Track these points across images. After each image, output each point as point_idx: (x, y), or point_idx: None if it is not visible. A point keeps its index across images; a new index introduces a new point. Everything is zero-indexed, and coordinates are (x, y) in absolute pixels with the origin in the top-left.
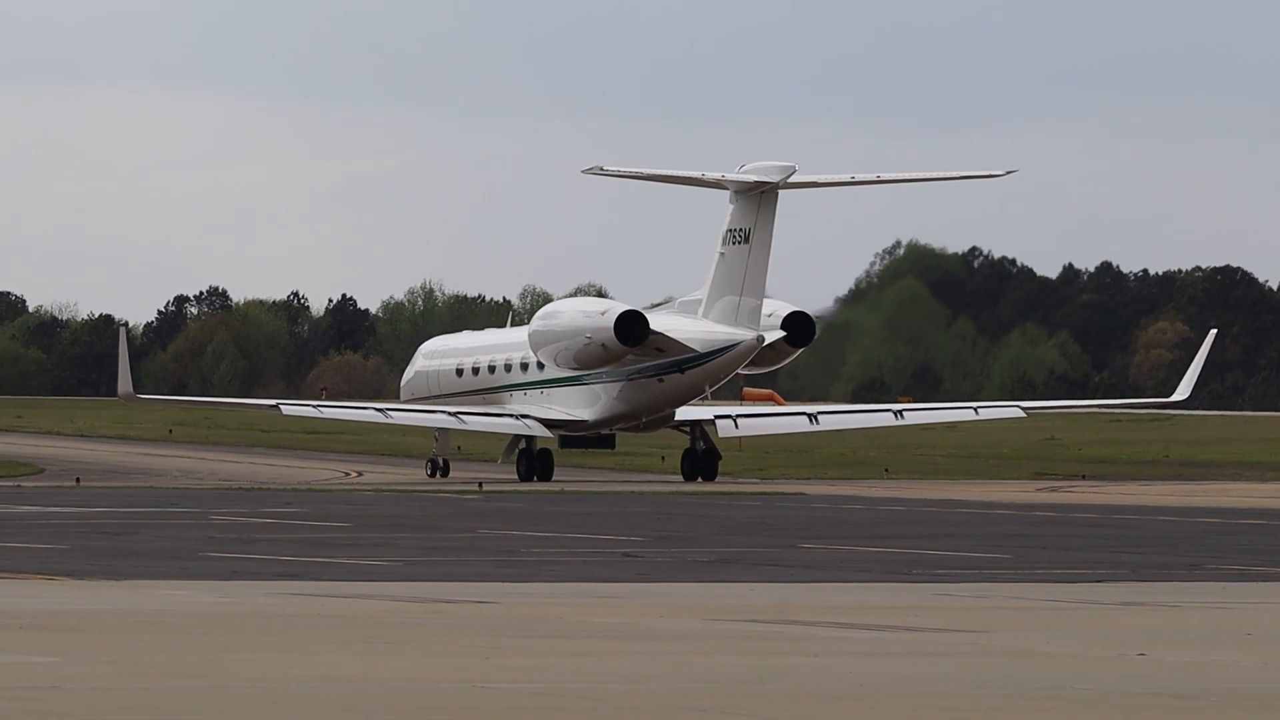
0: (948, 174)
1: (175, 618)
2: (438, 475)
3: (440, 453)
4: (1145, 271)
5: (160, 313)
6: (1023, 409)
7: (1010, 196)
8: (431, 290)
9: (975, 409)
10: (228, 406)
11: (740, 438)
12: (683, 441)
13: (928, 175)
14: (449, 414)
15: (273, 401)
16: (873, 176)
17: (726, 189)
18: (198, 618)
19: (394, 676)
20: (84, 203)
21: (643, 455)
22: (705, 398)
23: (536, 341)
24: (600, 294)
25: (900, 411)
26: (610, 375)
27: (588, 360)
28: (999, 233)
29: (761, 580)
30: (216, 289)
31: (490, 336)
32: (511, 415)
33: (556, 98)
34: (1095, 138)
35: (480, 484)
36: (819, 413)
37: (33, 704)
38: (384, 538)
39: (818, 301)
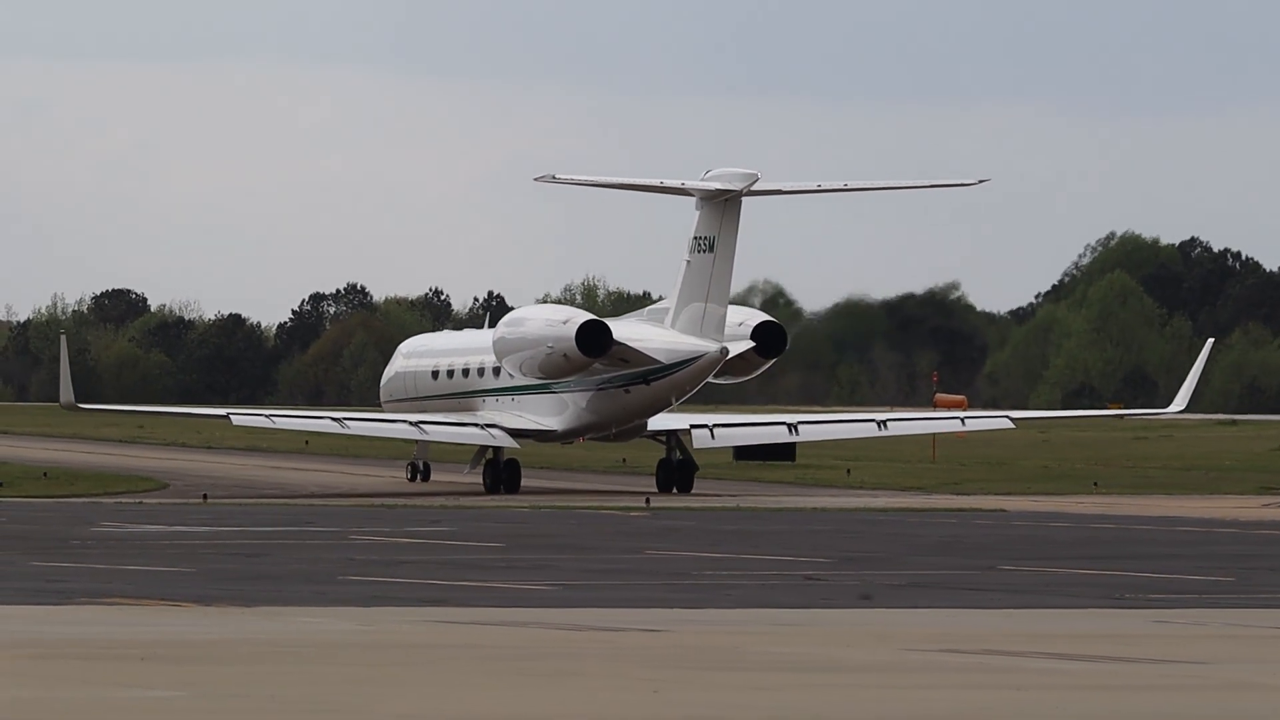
0: (918, 183)
1: (312, 648)
2: (418, 479)
3: (420, 455)
4: None
5: (294, 312)
6: (1011, 419)
7: (1234, 183)
8: (593, 287)
9: (962, 419)
10: (177, 416)
11: (935, 440)
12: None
13: (898, 184)
14: (410, 424)
15: (224, 411)
16: (840, 184)
17: (692, 196)
18: (337, 648)
19: (553, 713)
20: (209, 191)
21: (825, 469)
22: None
23: (501, 349)
24: (780, 294)
25: (884, 422)
26: (579, 384)
27: (551, 370)
28: (1220, 223)
29: (959, 606)
30: (355, 286)
31: (468, 338)
32: (477, 425)
33: (740, 75)
34: None
35: (648, 499)
36: (799, 422)
37: None
38: (541, 559)
39: (1017, 297)
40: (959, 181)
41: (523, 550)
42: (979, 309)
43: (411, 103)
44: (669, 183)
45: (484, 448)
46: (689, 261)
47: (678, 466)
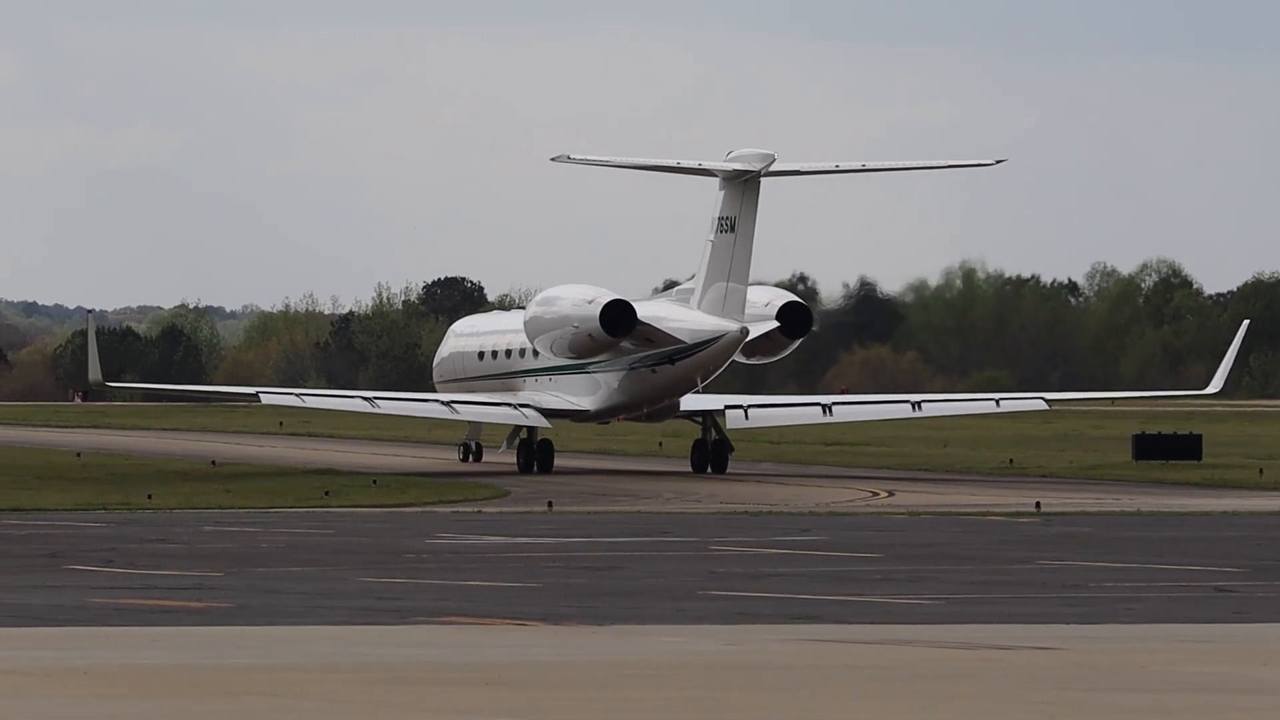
0: (935, 163)
1: (671, 670)
2: (470, 459)
3: (472, 437)
4: None
5: None
6: (1046, 400)
7: None
8: (971, 270)
9: (996, 400)
10: (203, 396)
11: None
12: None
13: (914, 164)
14: (442, 403)
15: (253, 389)
16: (858, 165)
17: (714, 176)
18: (699, 670)
19: None
20: (554, 168)
21: (1235, 467)
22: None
23: (532, 330)
24: (1175, 271)
25: (918, 403)
26: (612, 365)
27: (579, 349)
28: None
29: None
30: None
31: (513, 319)
32: (509, 404)
33: (1151, 30)
34: None
35: (1038, 504)
36: (834, 403)
37: None
38: (922, 570)
39: None
40: (976, 162)
41: (901, 560)
42: None
43: (783, 68)
44: (687, 163)
45: (518, 427)
46: (711, 242)
47: (713, 447)
